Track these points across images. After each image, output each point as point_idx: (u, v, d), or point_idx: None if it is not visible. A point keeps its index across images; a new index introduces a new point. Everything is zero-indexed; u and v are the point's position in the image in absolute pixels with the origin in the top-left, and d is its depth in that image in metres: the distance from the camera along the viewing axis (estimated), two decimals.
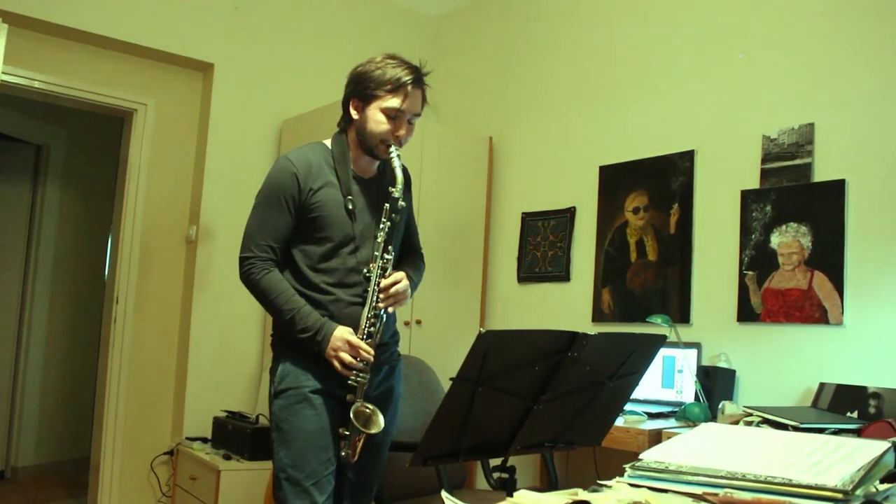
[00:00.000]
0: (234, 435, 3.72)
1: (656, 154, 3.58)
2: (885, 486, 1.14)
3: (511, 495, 1.15)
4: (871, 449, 1.17)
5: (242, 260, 2.15)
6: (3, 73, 3.18)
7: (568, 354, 1.62)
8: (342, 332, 2.06)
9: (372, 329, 2.07)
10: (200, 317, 4.11)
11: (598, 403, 1.82)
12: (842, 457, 1.15)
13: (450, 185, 4.19)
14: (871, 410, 2.55)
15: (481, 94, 4.65)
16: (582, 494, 1.16)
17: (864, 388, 2.62)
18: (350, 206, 2.14)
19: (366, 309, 2.08)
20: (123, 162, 4.20)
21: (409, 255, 2.39)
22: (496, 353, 1.53)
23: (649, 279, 3.53)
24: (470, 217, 4.30)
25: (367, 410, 2.06)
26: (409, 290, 2.18)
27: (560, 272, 3.97)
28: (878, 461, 1.12)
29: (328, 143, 2.25)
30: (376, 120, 2.13)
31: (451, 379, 1.55)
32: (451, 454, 1.66)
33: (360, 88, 2.16)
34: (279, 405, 2.12)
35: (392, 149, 2.12)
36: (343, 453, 2.08)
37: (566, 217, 3.99)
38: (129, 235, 4.09)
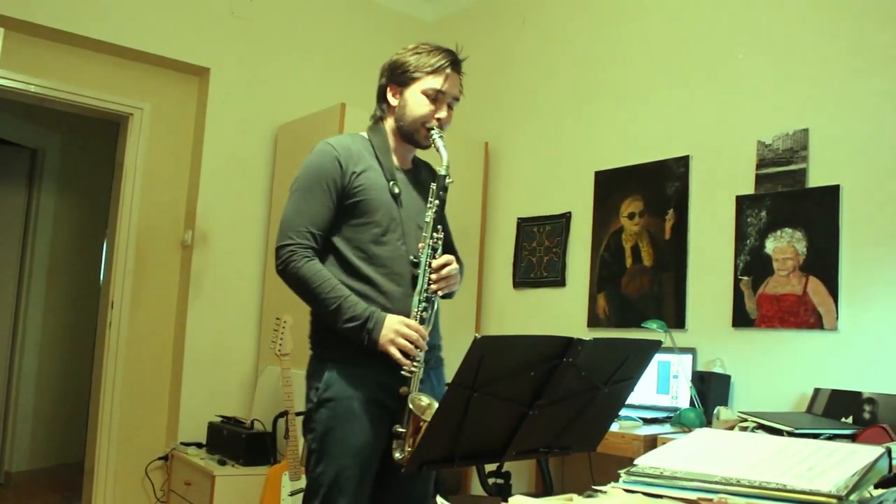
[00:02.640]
0: (229, 440, 3.72)
1: (651, 159, 3.59)
2: (880, 491, 1.14)
3: (506, 500, 1.15)
4: (865, 454, 1.17)
5: (280, 249, 2.00)
6: None
7: (563, 360, 1.62)
8: (394, 318, 1.93)
9: (425, 314, 1.96)
10: (195, 321, 4.10)
11: (593, 409, 1.82)
12: (836, 462, 1.15)
13: None
14: (866, 416, 2.56)
15: (477, 99, 4.64)
16: (577, 500, 1.16)
17: (858, 394, 2.63)
18: (396, 190, 2.06)
19: (418, 291, 1.97)
20: (119, 166, 4.20)
21: None
22: (491, 358, 1.53)
23: (644, 284, 3.54)
24: (465, 222, 4.30)
25: (424, 402, 1.88)
26: (459, 276, 2.09)
27: (555, 277, 3.98)
28: (872, 466, 1.13)
29: (365, 134, 2.18)
30: (417, 102, 2.07)
31: (446, 384, 1.54)
32: (446, 459, 1.66)
33: (398, 74, 2.10)
34: (324, 415, 1.97)
35: (433, 131, 2.06)
36: (397, 455, 1.88)
37: (562, 222, 4.00)
38: (124, 240, 4.09)
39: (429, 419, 1.83)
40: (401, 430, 1.89)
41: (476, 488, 3.82)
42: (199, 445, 3.94)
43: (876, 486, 1.15)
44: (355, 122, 3.80)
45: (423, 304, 1.96)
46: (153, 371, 4.16)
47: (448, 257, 2.03)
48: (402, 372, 1.91)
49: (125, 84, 4.11)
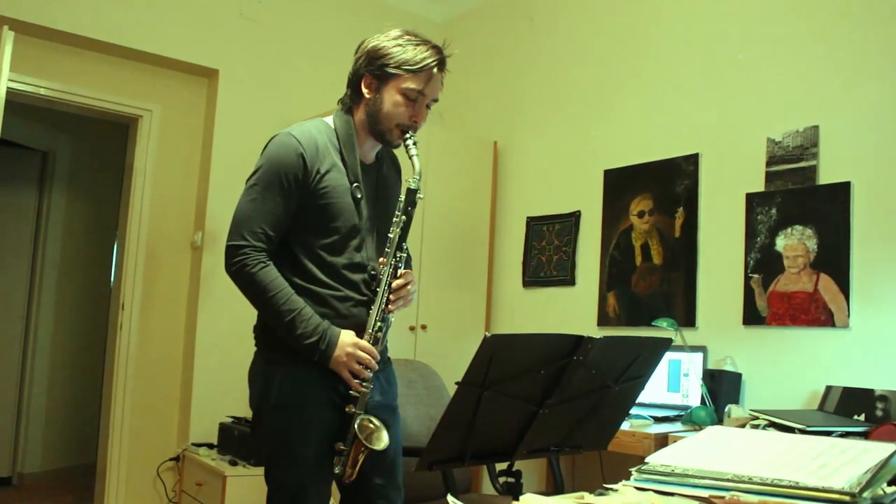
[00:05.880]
0: (240, 441, 3.72)
1: (661, 158, 3.58)
2: (893, 488, 1.14)
3: (517, 499, 1.15)
4: (878, 451, 1.17)
5: (233, 248, 1.84)
6: (9, 80, 3.19)
7: (573, 358, 1.61)
8: (348, 338, 1.84)
9: (379, 334, 1.88)
10: (206, 322, 4.12)
11: (603, 407, 1.81)
12: (849, 459, 1.15)
13: (455, 190, 4.20)
14: (878, 413, 2.55)
15: (486, 98, 4.65)
16: (588, 498, 1.16)
17: (870, 391, 2.62)
18: (358, 195, 1.91)
19: (375, 310, 1.87)
20: (129, 168, 4.22)
21: None
22: (502, 357, 1.53)
23: (654, 283, 3.53)
24: (475, 221, 4.30)
25: (372, 426, 1.84)
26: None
27: (565, 276, 3.97)
28: (885, 464, 1.12)
29: (330, 121, 2.01)
30: (394, 102, 1.91)
31: (456, 383, 1.54)
32: (456, 458, 1.66)
33: (378, 65, 1.94)
34: (278, 421, 1.87)
35: (408, 135, 1.91)
36: (337, 471, 1.84)
37: (571, 221, 3.99)
38: (134, 241, 4.11)
39: (374, 446, 1.81)
40: (343, 447, 1.84)
41: (486, 487, 3.82)
42: (210, 446, 3.95)
43: (889, 484, 1.15)
44: None
45: (379, 323, 1.88)
46: (164, 372, 4.18)
47: (409, 276, 1.93)
48: (351, 392, 1.85)
49: (135, 86, 4.12)
